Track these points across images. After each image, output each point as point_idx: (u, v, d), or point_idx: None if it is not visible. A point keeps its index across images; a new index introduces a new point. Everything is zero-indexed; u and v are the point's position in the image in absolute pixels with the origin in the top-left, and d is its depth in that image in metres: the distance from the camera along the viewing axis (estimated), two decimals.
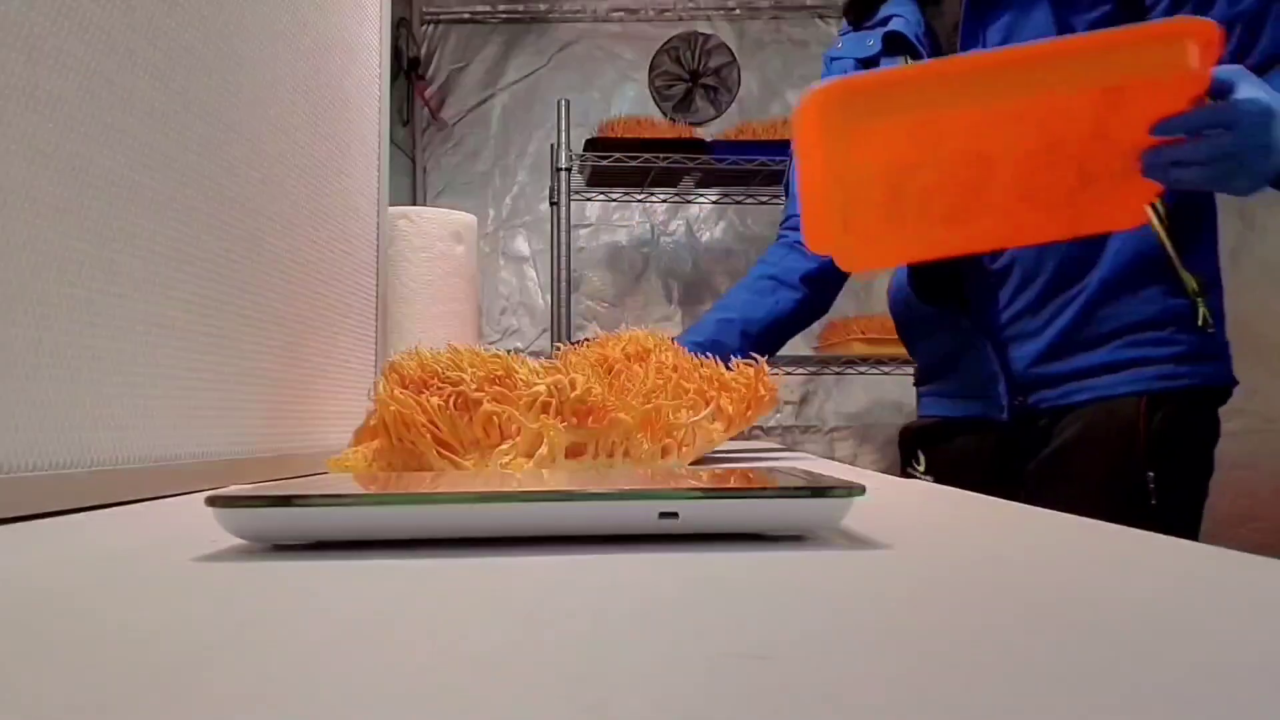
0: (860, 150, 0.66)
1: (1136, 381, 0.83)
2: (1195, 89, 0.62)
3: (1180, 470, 0.82)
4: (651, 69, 2.31)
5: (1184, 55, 0.60)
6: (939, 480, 0.96)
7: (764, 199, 2.20)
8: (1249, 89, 0.62)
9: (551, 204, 2.05)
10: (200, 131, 0.47)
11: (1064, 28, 0.85)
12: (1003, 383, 0.91)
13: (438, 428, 0.43)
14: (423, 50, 2.42)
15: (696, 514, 0.25)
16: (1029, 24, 0.87)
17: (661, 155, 1.94)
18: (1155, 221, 0.83)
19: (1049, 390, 0.88)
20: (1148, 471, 0.82)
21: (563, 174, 1.92)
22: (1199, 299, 0.84)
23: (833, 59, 1.07)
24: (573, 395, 0.45)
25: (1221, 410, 0.87)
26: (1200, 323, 0.84)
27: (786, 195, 1.16)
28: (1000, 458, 0.94)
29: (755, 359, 0.62)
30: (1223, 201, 0.85)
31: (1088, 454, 0.85)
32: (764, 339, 1.04)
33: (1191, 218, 0.84)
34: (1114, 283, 0.85)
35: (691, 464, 0.53)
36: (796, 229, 0.96)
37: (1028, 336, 0.90)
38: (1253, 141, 0.63)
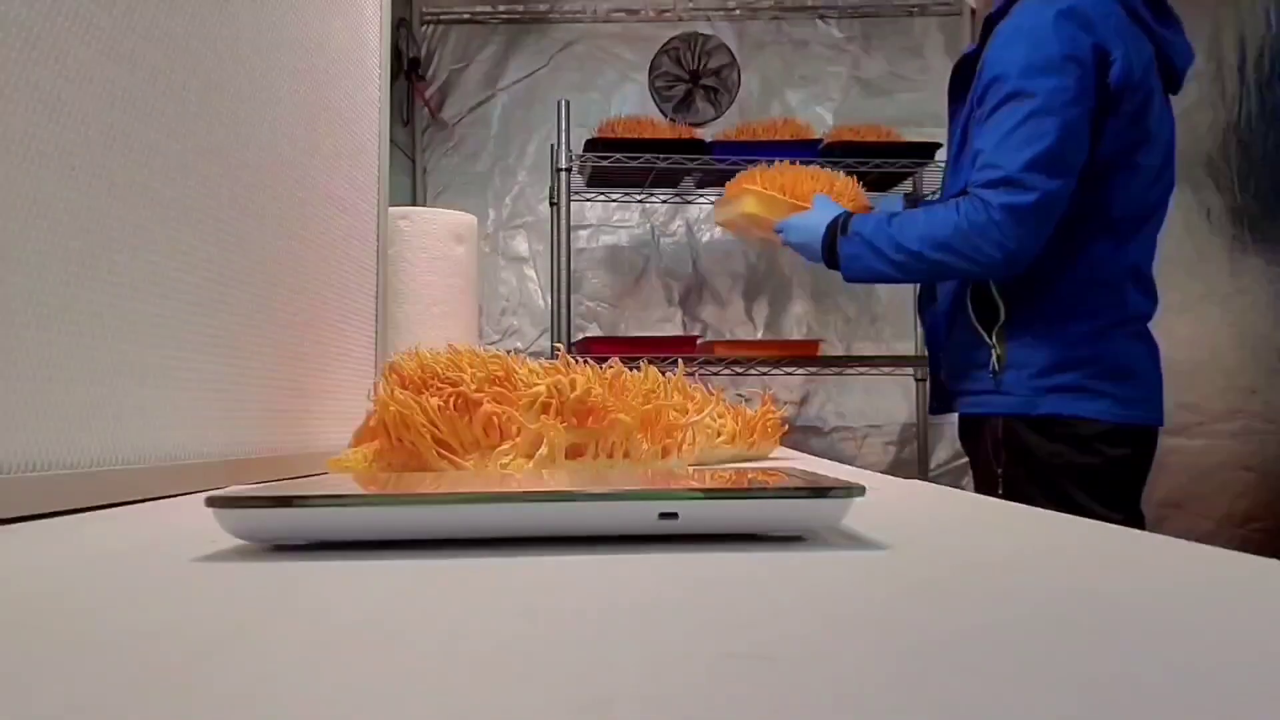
0: None
1: (966, 407, 1.20)
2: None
3: (1019, 477, 1.13)
4: (651, 69, 2.31)
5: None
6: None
7: None
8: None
9: (551, 204, 2.05)
10: (199, 132, 0.47)
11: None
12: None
13: (438, 428, 0.43)
14: (423, 50, 2.41)
15: (696, 514, 0.25)
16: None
17: (661, 156, 1.94)
18: (969, 302, 1.17)
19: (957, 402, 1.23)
20: (997, 470, 1.16)
21: (563, 174, 1.92)
22: (994, 350, 1.14)
23: None
24: (573, 396, 0.45)
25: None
26: (991, 369, 1.15)
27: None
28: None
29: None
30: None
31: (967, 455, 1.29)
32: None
33: (998, 290, 1.14)
34: (944, 333, 1.23)
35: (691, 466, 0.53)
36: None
37: (940, 363, 1.26)
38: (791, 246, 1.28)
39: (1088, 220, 1.08)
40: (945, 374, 1.24)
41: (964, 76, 1.21)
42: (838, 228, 1.18)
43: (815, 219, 1.23)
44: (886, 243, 1.13)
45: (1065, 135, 1.02)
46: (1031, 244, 1.04)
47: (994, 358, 1.14)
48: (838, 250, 1.17)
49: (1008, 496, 1.10)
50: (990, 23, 1.16)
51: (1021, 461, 1.12)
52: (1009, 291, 1.12)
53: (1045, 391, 1.10)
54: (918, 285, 1.39)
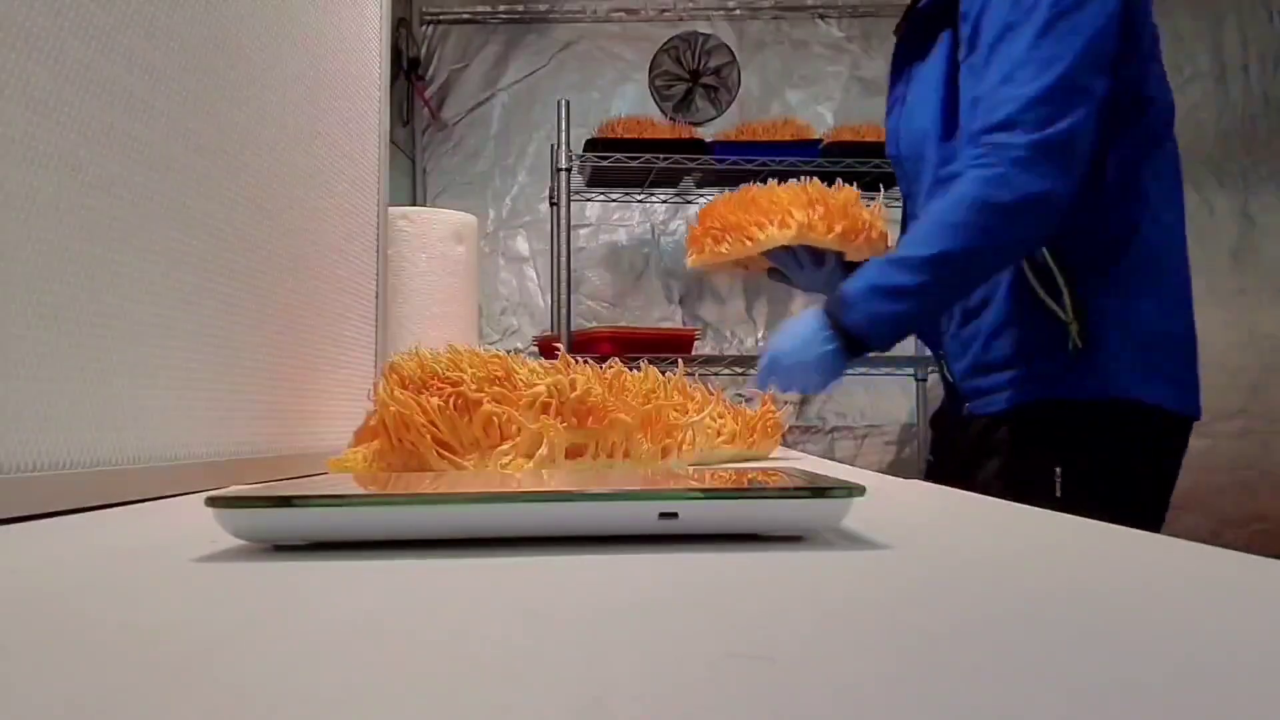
0: None
1: (1023, 395, 0.95)
2: None
3: (1085, 470, 0.91)
4: (651, 69, 2.31)
5: None
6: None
7: None
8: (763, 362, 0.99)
9: (551, 204, 2.05)
10: (200, 132, 0.47)
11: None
12: (947, 389, 1.11)
13: (438, 428, 0.43)
14: (423, 50, 2.42)
15: (696, 514, 0.25)
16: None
17: (661, 155, 1.94)
18: (1028, 273, 0.94)
19: (975, 400, 1.02)
20: (1054, 468, 0.92)
21: (563, 174, 1.92)
22: (1071, 326, 0.92)
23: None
24: (573, 396, 0.45)
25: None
26: (1070, 346, 0.92)
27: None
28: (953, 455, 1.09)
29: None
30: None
31: (1004, 456, 0.98)
32: None
33: (1070, 268, 0.93)
34: (1000, 322, 0.98)
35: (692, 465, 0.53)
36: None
37: (955, 356, 1.05)
38: (765, 376, 0.96)
39: (1159, 172, 0.91)
40: (988, 363, 1.00)
41: (922, 29, 1.02)
42: (830, 312, 0.95)
43: (796, 326, 1.00)
44: (895, 276, 0.90)
45: (1090, 46, 0.83)
46: (1065, 184, 0.84)
47: (1073, 334, 0.92)
48: (844, 326, 0.94)
49: (1067, 497, 0.90)
50: None
51: (1092, 455, 0.92)
52: (1079, 258, 0.92)
53: (1134, 371, 0.90)
54: None
